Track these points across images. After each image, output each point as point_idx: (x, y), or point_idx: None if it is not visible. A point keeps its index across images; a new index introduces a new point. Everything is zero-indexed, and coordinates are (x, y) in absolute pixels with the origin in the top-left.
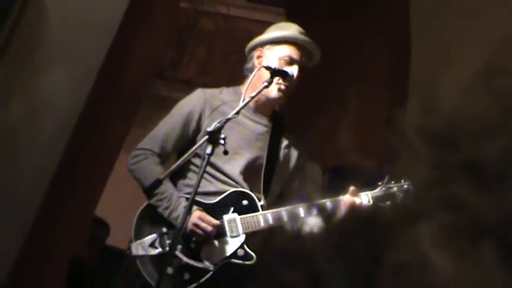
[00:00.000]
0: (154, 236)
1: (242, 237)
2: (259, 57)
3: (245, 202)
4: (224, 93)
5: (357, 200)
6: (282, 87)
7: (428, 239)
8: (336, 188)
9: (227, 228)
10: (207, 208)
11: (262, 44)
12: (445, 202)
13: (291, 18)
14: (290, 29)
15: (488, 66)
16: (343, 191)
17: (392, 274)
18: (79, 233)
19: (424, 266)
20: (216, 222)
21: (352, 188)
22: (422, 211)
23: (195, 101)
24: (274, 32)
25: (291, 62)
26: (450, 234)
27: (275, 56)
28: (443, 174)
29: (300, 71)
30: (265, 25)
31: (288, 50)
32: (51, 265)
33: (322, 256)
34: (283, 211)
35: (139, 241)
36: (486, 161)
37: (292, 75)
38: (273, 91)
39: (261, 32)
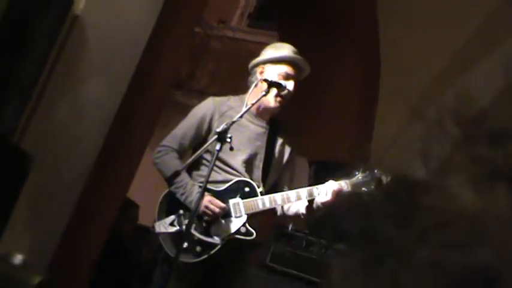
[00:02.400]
0: (173, 216)
1: (244, 217)
2: (261, 72)
3: (247, 189)
4: (231, 101)
5: (340, 184)
6: (279, 98)
7: (456, 185)
8: (320, 178)
9: (232, 210)
10: (216, 194)
11: (264, 62)
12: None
13: (282, 39)
14: (286, 50)
15: None
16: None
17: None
18: (114, 211)
19: (453, 204)
20: (223, 205)
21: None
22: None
23: (206, 107)
24: (273, 52)
25: (287, 77)
26: (474, 181)
27: (274, 72)
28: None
29: (295, 84)
30: (263, 45)
31: (285, 68)
32: (92, 235)
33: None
34: (278, 196)
35: (161, 220)
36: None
37: (285, 86)
38: (272, 102)
39: (259, 51)
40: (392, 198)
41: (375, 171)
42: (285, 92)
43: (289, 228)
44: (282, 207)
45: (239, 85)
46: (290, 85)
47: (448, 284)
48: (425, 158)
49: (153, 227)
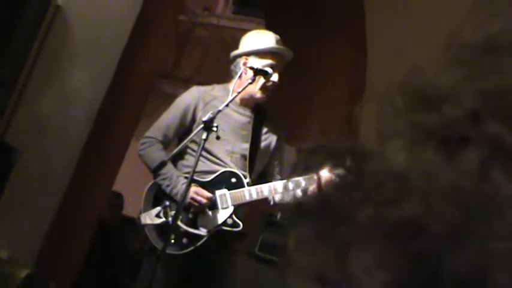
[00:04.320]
0: (158, 208)
1: (231, 209)
2: (244, 63)
3: (233, 180)
4: (215, 90)
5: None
6: (264, 91)
7: (393, 150)
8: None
9: (218, 201)
10: (202, 185)
11: (248, 54)
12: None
13: (269, 27)
14: (270, 41)
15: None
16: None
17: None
18: (101, 202)
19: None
20: (209, 195)
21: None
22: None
23: (190, 97)
24: (256, 43)
25: (272, 69)
26: (409, 145)
27: (259, 64)
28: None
29: (280, 75)
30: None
31: (269, 61)
32: (79, 228)
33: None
34: (264, 187)
35: (147, 212)
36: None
37: (272, 74)
38: (258, 93)
39: None
40: (345, 169)
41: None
42: (270, 83)
43: (278, 217)
44: (274, 196)
45: (225, 73)
46: (275, 77)
47: (386, 238)
48: (375, 130)
49: (139, 218)
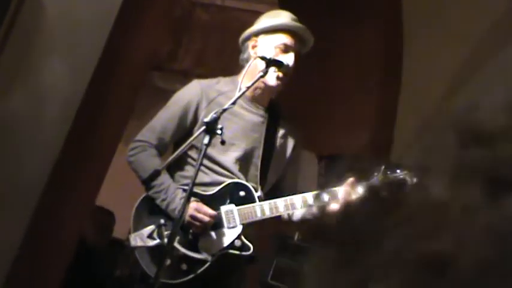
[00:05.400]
0: (152, 227)
1: (239, 228)
2: (254, 46)
3: (242, 193)
4: (221, 84)
5: (353, 192)
6: (280, 75)
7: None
8: (331, 176)
9: (224, 219)
10: (204, 199)
11: (257, 34)
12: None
13: (283, 7)
14: (283, 17)
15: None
16: (340, 180)
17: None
18: (81, 220)
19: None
20: (213, 212)
21: (350, 179)
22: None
23: (191, 92)
24: (267, 20)
25: (286, 49)
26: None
27: (270, 44)
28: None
29: (295, 58)
30: (259, 15)
31: (282, 38)
32: (54, 250)
33: None
34: (280, 202)
35: (137, 232)
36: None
37: (287, 65)
38: (271, 79)
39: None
40: (377, 198)
41: (398, 171)
42: (286, 68)
43: (295, 238)
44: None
45: (231, 64)
46: (290, 58)
47: (410, 271)
48: (416, 159)
49: (128, 239)
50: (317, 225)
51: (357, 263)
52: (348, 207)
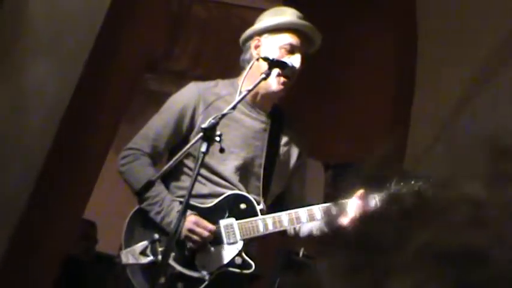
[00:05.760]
0: (145, 242)
1: (240, 244)
2: (257, 47)
3: (243, 206)
4: (219, 87)
5: (364, 204)
6: (283, 79)
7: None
8: (339, 185)
9: (224, 234)
10: (202, 212)
11: (260, 33)
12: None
13: (288, 5)
14: (288, 15)
15: None
16: (348, 192)
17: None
18: (68, 233)
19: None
20: (212, 227)
21: (360, 191)
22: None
23: (188, 95)
24: (271, 18)
25: (292, 50)
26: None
27: (275, 45)
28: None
29: (302, 59)
30: (261, 12)
31: (288, 38)
32: (39, 265)
33: None
34: (284, 216)
35: (129, 248)
36: None
37: (292, 66)
38: (274, 84)
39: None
40: (397, 202)
41: (412, 182)
42: (290, 70)
43: (300, 254)
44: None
45: (230, 65)
46: (296, 60)
47: (440, 265)
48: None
49: (119, 256)
50: (332, 232)
51: (376, 264)
52: (367, 214)
